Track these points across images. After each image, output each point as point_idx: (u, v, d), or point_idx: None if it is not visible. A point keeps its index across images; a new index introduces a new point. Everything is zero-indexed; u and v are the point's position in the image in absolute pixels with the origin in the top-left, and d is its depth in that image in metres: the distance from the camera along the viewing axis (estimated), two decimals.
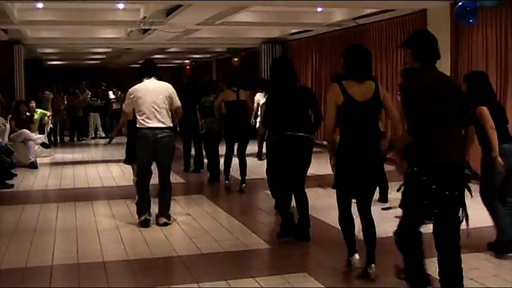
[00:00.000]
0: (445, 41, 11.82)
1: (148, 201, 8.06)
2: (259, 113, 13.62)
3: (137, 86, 7.99)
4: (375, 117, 5.83)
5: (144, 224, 7.88)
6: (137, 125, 7.89)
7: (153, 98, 7.83)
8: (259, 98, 13.61)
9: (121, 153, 11.43)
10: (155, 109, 7.80)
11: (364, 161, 5.59)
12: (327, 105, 5.68)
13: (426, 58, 4.66)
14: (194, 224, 8.24)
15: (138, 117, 7.87)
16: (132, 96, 7.93)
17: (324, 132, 5.93)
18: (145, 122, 7.79)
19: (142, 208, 7.98)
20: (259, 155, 12.12)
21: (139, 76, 8.25)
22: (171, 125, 7.98)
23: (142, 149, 7.90)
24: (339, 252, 6.18)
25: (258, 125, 13.76)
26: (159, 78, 8.15)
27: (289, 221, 7.19)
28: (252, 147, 11.40)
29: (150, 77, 8.03)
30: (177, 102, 8.08)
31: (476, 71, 8.45)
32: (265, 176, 9.09)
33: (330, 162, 9.94)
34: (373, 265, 5.60)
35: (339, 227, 7.27)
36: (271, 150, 7.72)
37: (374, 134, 5.72)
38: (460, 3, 9.94)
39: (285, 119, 6.97)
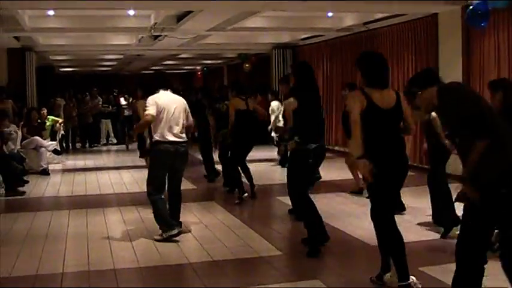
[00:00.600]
0: (457, 45, 11.80)
1: (168, 211, 7.83)
2: (272, 119, 13.68)
3: (159, 95, 7.68)
4: (398, 126, 5.58)
5: (177, 235, 7.67)
6: (157, 138, 7.60)
7: (174, 110, 7.63)
8: (274, 106, 13.71)
9: (132, 159, 11.55)
10: (176, 123, 7.62)
11: (398, 172, 5.47)
12: (353, 112, 5.32)
13: None
14: (205, 230, 8.22)
15: (158, 129, 7.58)
16: (157, 104, 7.57)
17: (352, 146, 5.46)
18: (166, 135, 7.55)
19: (168, 221, 7.71)
20: (283, 162, 12.14)
21: (155, 87, 7.91)
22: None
23: (163, 162, 7.62)
24: (352, 260, 6.16)
25: (273, 132, 13.86)
26: (174, 91, 8.05)
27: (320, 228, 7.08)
28: (265, 153, 11.48)
29: (166, 89, 7.84)
30: (191, 117, 7.98)
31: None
32: (276, 182, 9.05)
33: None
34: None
35: (352, 234, 7.26)
36: (305, 160, 6.96)
37: (402, 143, 5.56)
38: (471, 7, 9.88)
39: (319, 128, 7.05)
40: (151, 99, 7.61)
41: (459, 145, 4.41)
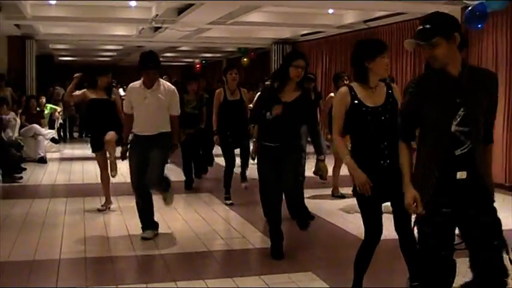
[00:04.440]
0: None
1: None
2: None
3: None
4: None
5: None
6: None
7: None
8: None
9: None
10: None
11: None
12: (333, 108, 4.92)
13: None
14: (201, 221, 8.30)
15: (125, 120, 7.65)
16: None
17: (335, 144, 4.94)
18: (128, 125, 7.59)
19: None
20: None
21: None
22: None
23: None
24: (345, 253, 6.21)
25: None
26: None
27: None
28: None
29: None
30: None
31: None
32: None
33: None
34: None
35: (345, 228, 7.34)
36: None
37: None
38: (469, 8, 9.94)
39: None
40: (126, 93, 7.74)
41: None
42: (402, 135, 3.96)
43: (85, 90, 8.98)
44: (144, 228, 7.34)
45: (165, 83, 7.31)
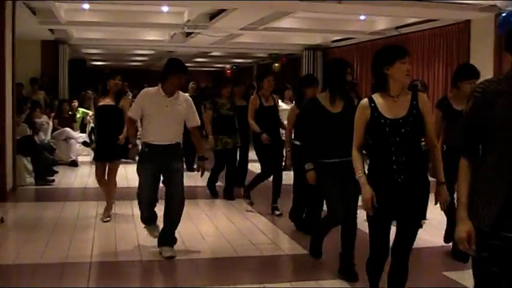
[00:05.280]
0: (489, 52, 11.73)
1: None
2: None
3: None
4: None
5: None
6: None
7: None
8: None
9: None
10: None
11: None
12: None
13: None
14: (231, 226, 8.31)
15: (130, 124, 7.19)
16: None
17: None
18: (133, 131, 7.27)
19: None
20: None
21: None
22: None
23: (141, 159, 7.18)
24: None
25: None
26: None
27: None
28: None
29: None
30: None
31: None
32: None
33: None
34: None
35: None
36: None
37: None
38: (503, 14, 9.85)
39: None
40: (138, 98, 7.12)
41: None
42: (465, 148, 3.36)
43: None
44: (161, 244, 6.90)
45: (179, 91, 6.91)
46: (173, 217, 6.74)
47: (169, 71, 6.67)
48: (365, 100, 4.57)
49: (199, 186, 10.58)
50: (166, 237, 6.80)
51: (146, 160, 6.73)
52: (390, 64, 4.44)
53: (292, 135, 7.93)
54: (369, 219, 4.52)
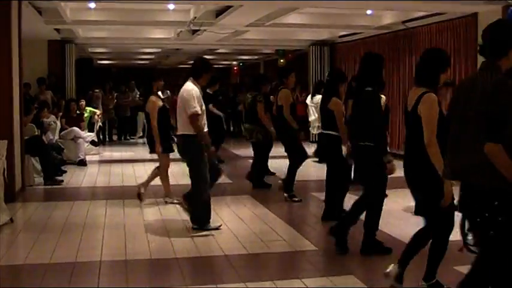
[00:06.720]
0: None
1: None
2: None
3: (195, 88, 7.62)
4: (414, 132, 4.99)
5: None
6: (192, 132, 7.52)
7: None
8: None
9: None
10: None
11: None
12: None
13: None
14: (241, 224, 8.28)
15: (199, 120, 7.51)
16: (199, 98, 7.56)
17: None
18: (202, 125, 7.59)
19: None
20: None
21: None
22: None
23: (204, 155, 7.58)
24: (388, 255, 6.16)
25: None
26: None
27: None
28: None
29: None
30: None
31: None
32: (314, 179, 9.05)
33: None
34: None
35: (389, 233, 7.26)
36: None
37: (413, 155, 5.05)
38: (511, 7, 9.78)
39: None
40: (196, 93, 7.50)
41: None
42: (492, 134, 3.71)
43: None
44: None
45: None
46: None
47: (205, 69, 7.73)
48: (435, 96, 4.94)
49: None
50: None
51: (203, 151, 7.53)
52: (444, 72, 5.07)
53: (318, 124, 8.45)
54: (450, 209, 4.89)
